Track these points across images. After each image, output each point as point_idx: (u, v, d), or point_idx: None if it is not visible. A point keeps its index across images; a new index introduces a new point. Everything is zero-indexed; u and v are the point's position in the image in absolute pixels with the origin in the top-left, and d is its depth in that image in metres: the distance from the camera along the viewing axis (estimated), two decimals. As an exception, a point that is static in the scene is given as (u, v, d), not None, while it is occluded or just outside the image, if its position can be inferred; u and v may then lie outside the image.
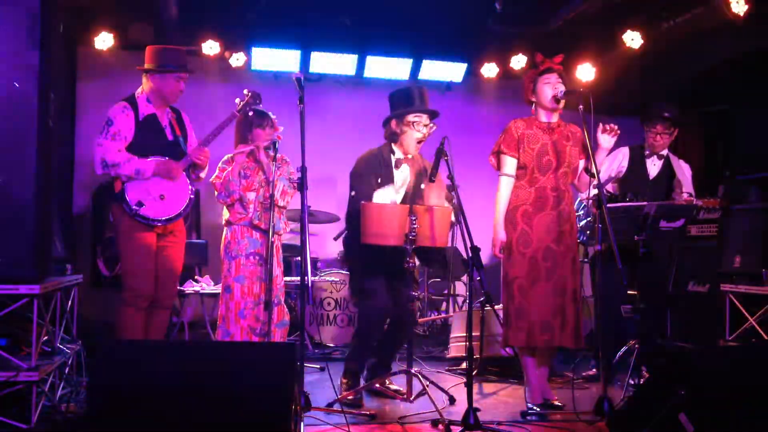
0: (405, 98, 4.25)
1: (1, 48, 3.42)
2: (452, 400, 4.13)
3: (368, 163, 4.26)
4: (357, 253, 4.24)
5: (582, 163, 4.07)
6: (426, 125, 4.23)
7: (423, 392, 3.98)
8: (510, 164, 4.03)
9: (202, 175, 4.31)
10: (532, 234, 3.93)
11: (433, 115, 4.27)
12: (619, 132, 3.91)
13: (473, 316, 3.62)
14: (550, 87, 3.96)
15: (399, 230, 3.88)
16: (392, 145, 4.30)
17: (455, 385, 4.48)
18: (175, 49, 4.18)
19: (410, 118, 4.20)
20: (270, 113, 4.34)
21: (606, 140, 3.91)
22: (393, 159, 4.28)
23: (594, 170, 3.75)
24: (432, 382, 4.20)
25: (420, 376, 4.05)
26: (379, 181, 4.20)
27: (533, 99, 4.05)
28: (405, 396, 4.02)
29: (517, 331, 3.88)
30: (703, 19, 5.60)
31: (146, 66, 4.11)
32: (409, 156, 4.30)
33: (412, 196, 4.27)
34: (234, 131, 4.37)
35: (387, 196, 4.16)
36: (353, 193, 4.26)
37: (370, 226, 3.92)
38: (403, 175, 4.31)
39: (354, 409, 3.88)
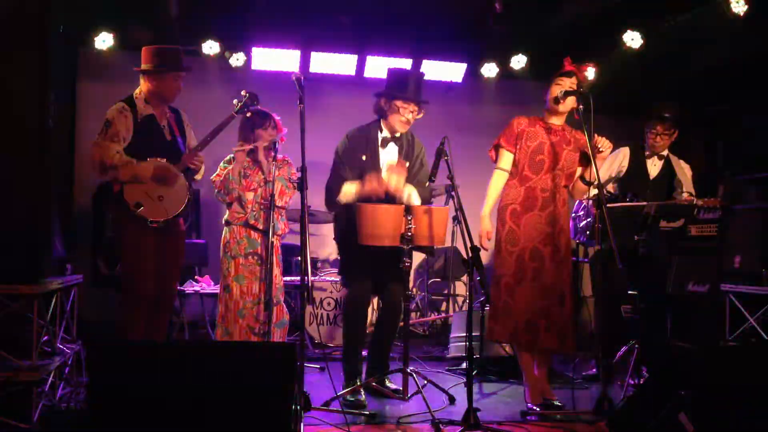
0: (399, 82, 4.28)
1: (2, 48, 3.43)
2: (452, 400, 4.13)
3: (354, 142, 4.28)
4: (343, 240, 4.31)
5: (579, 171, 4.07)
6: (412, 111, 4.25)
7: (418, 392, 3.97)
8: (506, 159, 4.06)
9: (198, 177, 4.31)
10: (519, 233, 3.95)
11: (422, 104, 4.28)
12: (611, 146, 3.92)
13: (473, 316, 3.62)
14: (558, 89, 3.98)
15: (394, 231, 3.89)
16: (381, 122, 4.33)
17: (455, 385, 4.48)
18: (172, 49, 4.16)
19: (398, 103, 4.22)
20: (274, 114, 4.34)
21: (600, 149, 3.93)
22: (380, 137, 4.30)
23: (594, 175, 3.76)
24: (431, 382, 4.21)
25: (415, 375, 4.05)
26: (364, 158, 4.23)
27: (545, 99, 4.08)
28: (402, 395, 4.02)
29: (503, 327, 3.94)
30: (703, 19, 5.61)
31: (143, 67, 4.10)
32: (397, 135, 4.32)
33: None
34: (237, 132, 4.38)
35: (349, 191, 4.18)
36: (330, 178, 4.30)
37: (365, 227, 3.92)
38: (389, 156, 4.31)
39: (356, 409, 3.88)
